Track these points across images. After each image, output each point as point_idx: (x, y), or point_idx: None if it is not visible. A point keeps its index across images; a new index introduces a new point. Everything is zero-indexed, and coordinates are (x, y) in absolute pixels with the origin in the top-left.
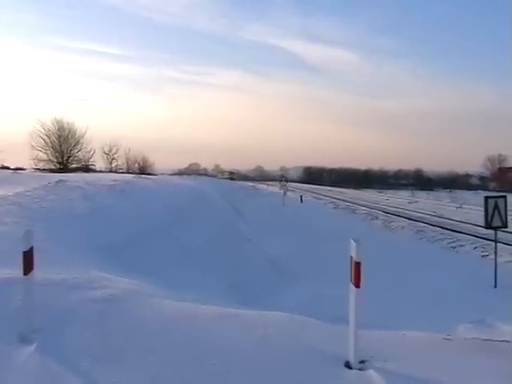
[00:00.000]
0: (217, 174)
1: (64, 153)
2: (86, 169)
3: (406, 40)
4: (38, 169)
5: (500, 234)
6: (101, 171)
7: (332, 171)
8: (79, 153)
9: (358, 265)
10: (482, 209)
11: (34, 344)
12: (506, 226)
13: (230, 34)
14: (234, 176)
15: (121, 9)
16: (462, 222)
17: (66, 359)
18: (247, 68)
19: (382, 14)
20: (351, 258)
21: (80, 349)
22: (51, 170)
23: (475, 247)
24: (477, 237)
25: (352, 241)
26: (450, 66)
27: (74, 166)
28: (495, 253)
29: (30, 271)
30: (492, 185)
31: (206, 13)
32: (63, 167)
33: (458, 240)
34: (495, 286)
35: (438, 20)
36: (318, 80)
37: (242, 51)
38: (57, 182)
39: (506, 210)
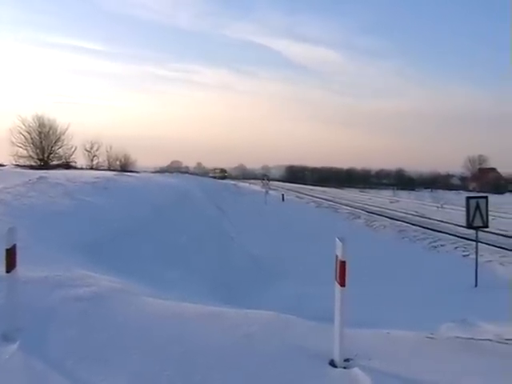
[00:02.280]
0: (203, 172)
1: (45, 149)
2: (67, 166)
3: (392, 40)
4: (18, 165)
5: (480, 234)
6: (82, 168)
7: (314, 170)
8: (60, 150)
9: (343, 264)
10: (463, 209)
11: (17, 342)
12: (487, 226)
13: (215, 33)
14: (225, 174)
15: (105, 5)
16: (443, 221)
17: (49, 358)
18: (232, 66)
19: (368, 14)
20: (337, 256)
21: (64, 347)
22: (31, 167)
23: (456, 247)
24: (458, 236)
25: (337, 240)
26: (434, 66)
27: (54, 162)
28: (476, 252)
29: (12, 269)
30: (472, 185)
31: (191, 10)
32: (44, 164)
33: (440, 239)
34: (476, 286)
35: (423, 21)
36: (302, 79)
37: (228, 50)
38: (38, 178)
39: (487, 211)
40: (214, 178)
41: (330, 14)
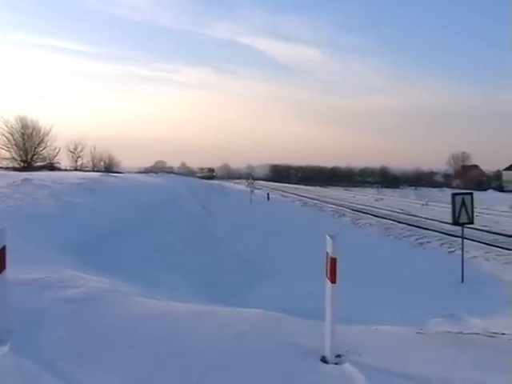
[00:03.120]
0: (188, 172)
1: (28, 151)
2: (51, 167)
3: (376, 38)
4: (1, 167)
5: (465, 231)
6: (66, 169)
7: (299, 169)
8: (44, 151)
9: (334, 261)
10: (447, 206)
11: (8, 344)
12: (473, 222)
13: (197, 32)
14: (214, 174)
15: (87, 5)
16: (428, 218)
17: (41, 359)
18: (215, 66)
19: (349, 13)
20: (327, 253)
21: (55, 348)
22: (15, 169)
23: (442, 243)
24: (443, 233)
25: (328, 237)
26: (416, 64)
27: (38, 164)
28: (462, 249)
29: (2, 270)
30: (456, 182)
31: (172, 9)
32: (27, 165)
33: (425, 236)
34: (462, 281)
35: (405, 19)
36: (286, 78)
37: (211, 49)
38: (22, 180)
39: (472, 207)
40: (202, 178)
41: (311, 12)
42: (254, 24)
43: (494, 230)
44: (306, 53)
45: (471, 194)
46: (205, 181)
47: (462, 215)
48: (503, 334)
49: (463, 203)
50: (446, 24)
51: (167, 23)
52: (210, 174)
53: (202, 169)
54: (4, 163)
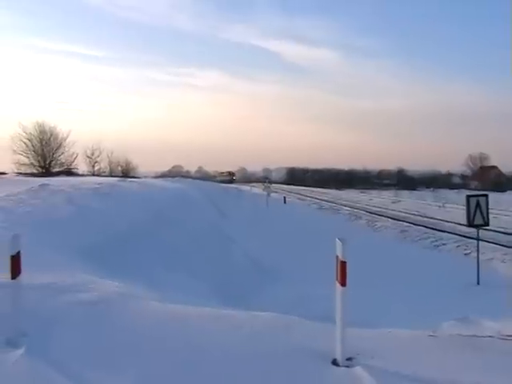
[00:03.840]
0: (206, 176)
1: (46, 157)
2: (69, 172)
3: (388, 40)
4: (20, 173)
5: (482, 232)
6: (83, 175)
7: (315, 172)
8: (61, 156)
9: (343, 264)
10: (464, 207)
11: (23, 348)
12: (488, 224)
13: (211, 35)
14: (234, 177)
15: (101, 9)
16: (444, 220)
17: (56, 362)
18: (229, 68)
19: (363, 15)
20: (337, 257)
21: (70, 352)
22: (33, 174)
23: (458, 245)
24: (459, 235)
25: (338, 240)
26: (432, 66)
27: (56, 169)
28: (477, 251)
29: (17, 275)
30: (474, 183)
31: (186, 13)
32: (45, 171)
33: (441, 239)
34: (478, 283)
35: (420, 21)
36: (300, 80)
37: (224, 52)
38: (40, 185)
39: (487, 209)
40: (222, 182)
41: (326, 14)
42: (268, 27)
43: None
44: (319, 55)
45: (486, 195)
46: (222, 185)
47: (477, 217)
48: None
49: (478, 205)
50: (462, 25)
51: (182, 27)
52: (229, 178)
53: (222, 172)
54: (22, 169)
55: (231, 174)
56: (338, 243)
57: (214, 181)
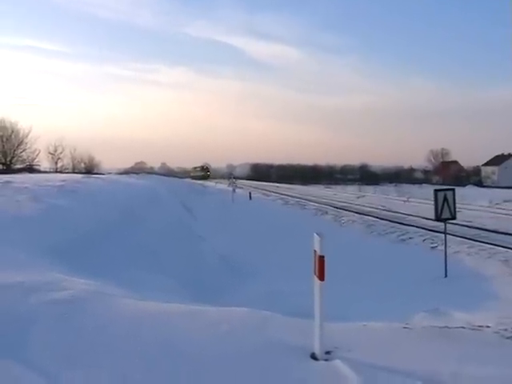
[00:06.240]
0: (168, 172)
1: (7, 153)
2: (31, 169)
3: (351, 37)
4: None
5: (447, 226)
6: (46, 172)
7: (279, 167)
8: (23, 153)
9: (321, 258)
10: (428, 202)
11: None
12: (455, 218)
13: (174, 31)
14: (208, 173)
15: (63, 4)
16: (410, 214)
17: (31, 363)
18: (192, 65)
19: (326, 11)
20: (315, 251)
21: (44, 352)
22: None
23: (424, 239)
24: (425, 229)
25: (316, 235)
26: (394, 62)
27: (18, 166)
28: (445, 244)
29: None
30: (435, 178)
31: (149, 9)
32: (6, 168)
33: (408, 232)
34: (446, 276)
35: (380, 17)
36: (263, 77)
37: (187, 48)
38: (3, 183)
39: (454, 203)
40: (194, 178)
41: (288, 11)
42: (230, 23)
43: (476, 225)
44: (282, 51)
45: (453, 189)
46: (186, 180)
47: (445, 211)
48: (488, 326)
49: (445, 199)
50: (424, 21)
51: (145, 23)
52: (203, 174)
53: (195, 167)
54: None
55: (205, 169)
56: (316, 238)
57: (186, 177)
